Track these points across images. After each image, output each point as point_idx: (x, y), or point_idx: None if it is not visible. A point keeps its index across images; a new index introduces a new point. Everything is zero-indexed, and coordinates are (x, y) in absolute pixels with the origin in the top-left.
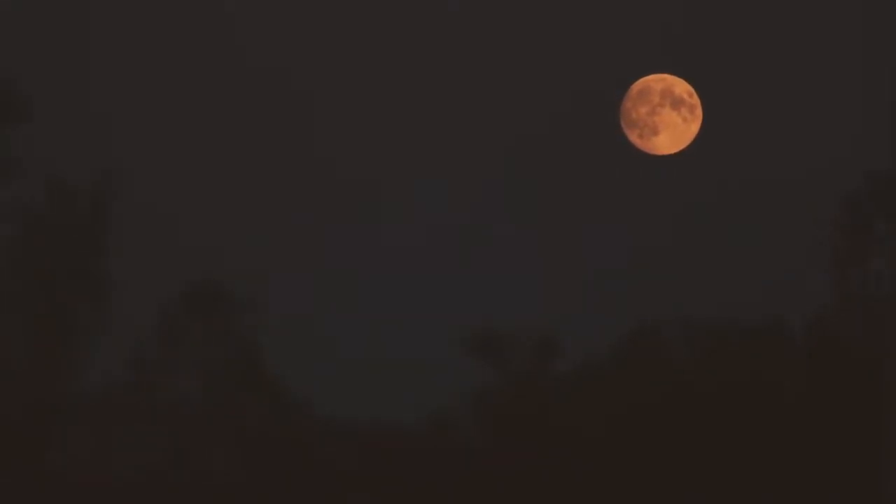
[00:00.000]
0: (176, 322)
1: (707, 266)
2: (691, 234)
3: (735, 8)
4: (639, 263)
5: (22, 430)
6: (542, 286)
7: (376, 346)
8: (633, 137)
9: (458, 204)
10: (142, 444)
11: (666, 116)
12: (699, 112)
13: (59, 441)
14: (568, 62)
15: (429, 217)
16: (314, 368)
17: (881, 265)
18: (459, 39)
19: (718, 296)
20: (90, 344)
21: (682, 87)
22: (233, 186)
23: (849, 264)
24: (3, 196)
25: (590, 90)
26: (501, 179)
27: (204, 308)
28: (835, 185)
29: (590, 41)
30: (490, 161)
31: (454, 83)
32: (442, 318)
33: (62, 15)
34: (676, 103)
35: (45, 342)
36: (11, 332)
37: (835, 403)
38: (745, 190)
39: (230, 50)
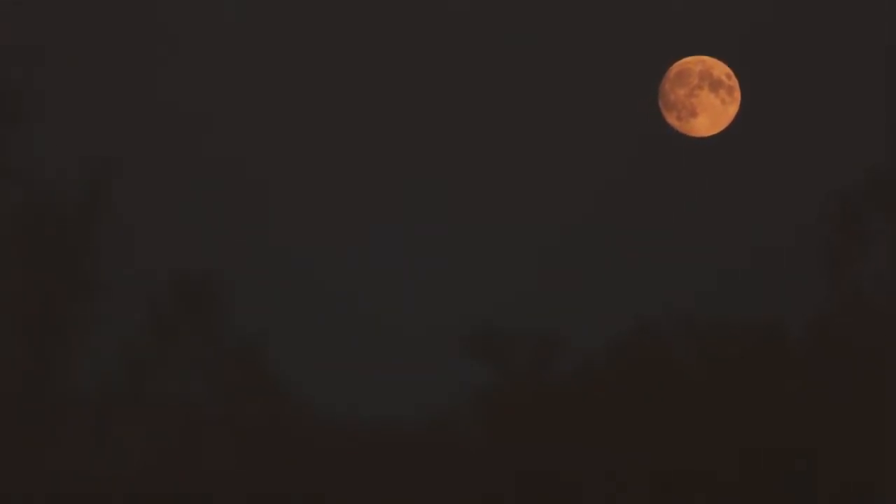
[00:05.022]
0: (166, 316)
1: (707, 263)
2: (693, 233)
3: None
4: (639, 262)
5: (18, 430)
6: (542, 286)
7: (376, 345)
8: (672, 119)
9: (461, 202)
10: (139, 442)
11: (704, 98)
12: (737, 94)
13: (55, 440)
14: (606, 43)
15: (430, 216)
16: (314, 367)
17: (881, 263)
18: (490, 25)
19: (718, 294)
20: (84, 342)
21: (720, 69)
22: (230, 184)
23: (848, 262)
24: None
25: (628, 72)
26: (510, 176)
27: (192, 301)
28: (836, 181)
29: (628, 22)
30: (502, 155)
31: (480, 71)
32: (442, 318)
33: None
34: (715, 85)
35: (38, 341)
36: (4, 332)
37: (835, 402)
38: (753, 184)
39: (233, 50)
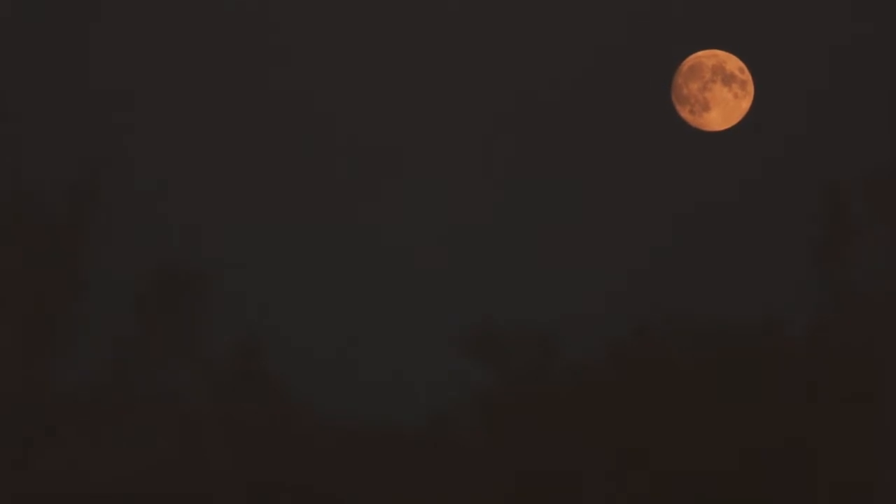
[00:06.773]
0: (163, 314)
1: (708, 263)
2: (696, 233)
3: None
4: (639, 262)
5: (10, 432)
6: (542, 285)
7: (376, 345)
8: (685, 114)
9: (461, 201)
10: (137, 442)
11: (717, 93)
12: (750, 88)
13: (49, 441)
14: (620, 37)
15: (430, 214)
16: (313, 367)
17: (877, 261)
18: (490, 21)
19: (718, 294)
20: (80, 341)
21: (733, 63)
22: (230, 183)
23: (844, 261)
24: None
25: (641, 66)
26: (510, 176)
27: (191, 299)
28: (848, 175)
29: (641, 16)
30: (503, 154)
31: (480, 70)
32: (442, 318)
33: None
34: (728, 79)
35: (33, 341)
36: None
37: (833, 403)
38: (764, 178)
39: (227, 49)
